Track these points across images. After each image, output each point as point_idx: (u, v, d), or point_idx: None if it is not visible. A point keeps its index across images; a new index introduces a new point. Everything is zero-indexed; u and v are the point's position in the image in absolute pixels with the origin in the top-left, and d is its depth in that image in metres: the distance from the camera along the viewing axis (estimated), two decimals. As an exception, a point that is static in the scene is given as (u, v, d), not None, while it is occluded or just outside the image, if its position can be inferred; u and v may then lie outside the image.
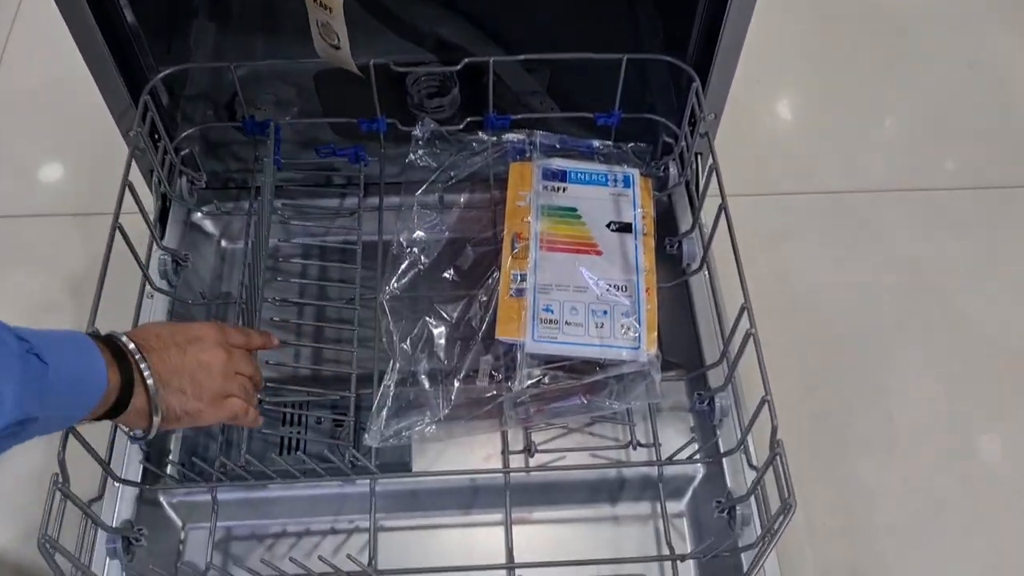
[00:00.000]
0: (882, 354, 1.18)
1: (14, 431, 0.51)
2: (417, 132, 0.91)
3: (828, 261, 1.27)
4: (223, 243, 0.99)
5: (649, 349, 0.82)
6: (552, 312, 0.83)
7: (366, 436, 0.76)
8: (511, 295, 0.84)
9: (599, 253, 0.88)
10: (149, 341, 0.64)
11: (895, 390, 1.15)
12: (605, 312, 0.84)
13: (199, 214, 0.97)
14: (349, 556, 0.70)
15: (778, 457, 0.68)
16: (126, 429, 0.74)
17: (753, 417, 0.73)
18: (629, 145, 0.96)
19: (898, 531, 1.04)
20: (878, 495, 1.07)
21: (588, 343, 0.82)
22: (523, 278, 0.85)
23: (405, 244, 0.88)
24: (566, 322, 0.83)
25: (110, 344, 0.61)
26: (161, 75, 0.88)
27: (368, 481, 0.78)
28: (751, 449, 0.78)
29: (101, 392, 0.58)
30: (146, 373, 0.62)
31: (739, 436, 0.80)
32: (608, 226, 0.89)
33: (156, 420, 0.63)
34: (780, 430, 0.68)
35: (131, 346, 0.62)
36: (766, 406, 0.70)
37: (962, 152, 1.40)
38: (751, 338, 0.72)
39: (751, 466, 0.77)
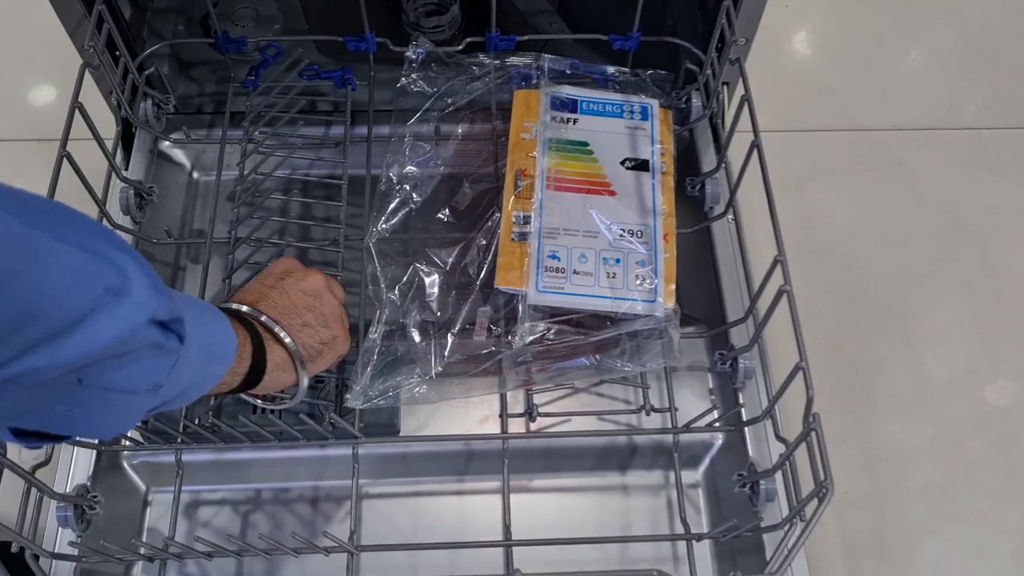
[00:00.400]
0: (915, 306, 1.09)
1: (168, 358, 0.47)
2: (410, 54, 0.81)
3: (858, 205, 1.17)
4: (195, 175, 0.89)
5: (666, 302, 0.73)
6: (559, 259, 0.74)
7: (348, 396, 0.68)
8: (513, 239, 0.75)
9: (612, 193, 0.79)
10: (245, 296, 0.62)
11: (927, 344, 1.06)
12: (618, 260, 0.75)
13: (167, 142, 0.87)
14: (326, 533, 0.62)
15: (813, 433, 0.59)
16: (271, 406, 0.69)
17: (784, 385, 0.64)
18: (648, 72, 0.86)
19: (927, 497, 0.97)
20: (907, 458, 0.99)
21: (598, 295, 0.73)
22: (527, 220, 0.76)
23: (395, 180, 0.79)
24: (574, 271, 0.74)
25: (236, 317, 0.59)
26: (119, -19, 0.78)
27: (350, 445, 0.70)
28: (778, 418, 0.70)
29: (234, 353, 0.55)
30: (264, 319, 0.60)
31: (765, 403, 0.72)
32: (623, 163, 0.80)
33: (301, 367, 0.61)
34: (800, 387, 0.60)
35: (243, 308, 0.60)
36: (800, 373, 0.62)
37: (1009, 88, 1.29)
38: (784, 295, 0.64)
39: (779, 438, 0.68)
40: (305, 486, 0.74)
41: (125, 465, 0.73)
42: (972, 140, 1.23)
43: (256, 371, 0.58)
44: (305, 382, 0.63)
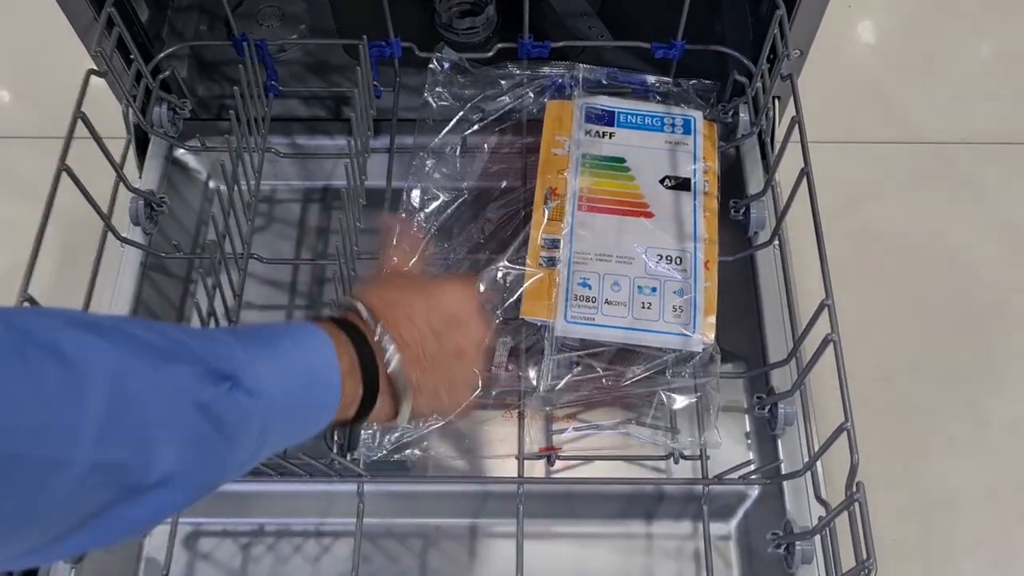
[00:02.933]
0: (978, 337, 1.01)
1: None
2: (433, 65, 0.76)
3: (921, 225, 1.09)
4: (211, 183, 0.85)
5: (705, 336, 0.67)
6: (589, 288, 0.69)
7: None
8: (541, 264, 0.70)
9: (649, 215, 0.73)
10: (397, 327, 0.47)
11: (991, 381, 0.98)
12: (654, 290, 0.69)
13: (182, 150, 0.83)
14: (320, 584, 0.58)
15: (857, 505, 0.53)
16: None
17: (826, 444, 0.58)
18: (691, 82, 0.79)
19: (983, 552, 0.89)
20: (962, 508, 0.91)
21: (631, 327, 0.67)
22: (555, 244, 0.70)
23: (416, 204, 0.74)
24: (606, 300, 0.68)
25: (349, 335, 0.45)
26: (130, -19, 0.74)
27: (356, 482, 0.66)
28: (819, 476, 0.63)
29: (331, 411, 0.44)
30: (394, 373, 0.47)
31: (805, 453, 0.66)
32: (662, 182, 0.74)
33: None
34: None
35: (382, 343, 0.46)
36: (844, 434, 0.56)
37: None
38: (831, 344, 0.57)
39: (819, 500, 0.62)
40: (309, 523, 0.70)
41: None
42: (1048, 156, 1.14)
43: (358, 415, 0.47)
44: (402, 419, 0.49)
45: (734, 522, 0.71)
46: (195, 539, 0.71)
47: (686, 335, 0.67)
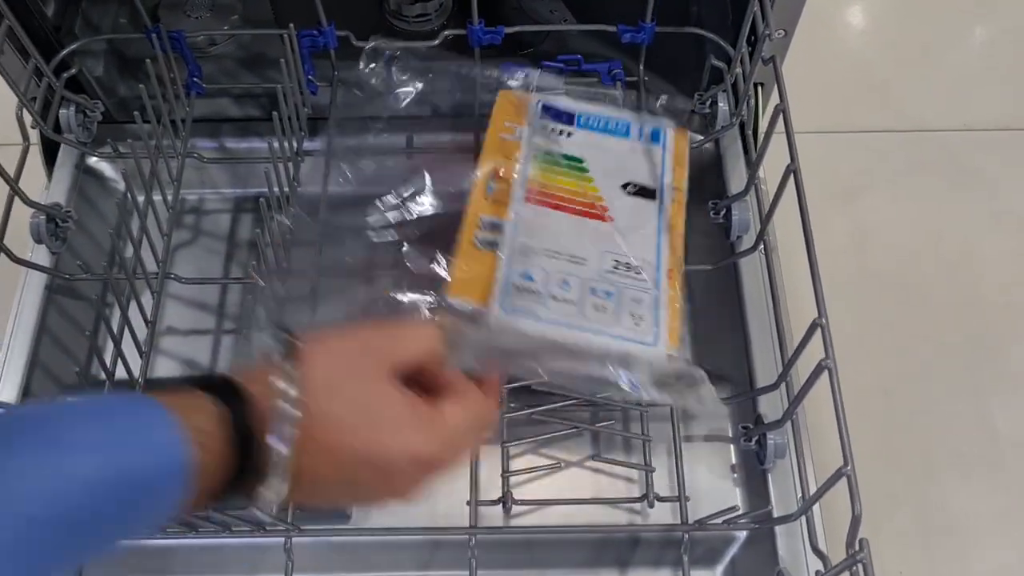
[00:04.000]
0: (987, 343, 0.93)
1: None
2: (368, 49, 0.67)
3: (921, 220, 1.00)
4: (130, 193, 0.76)
5: (670, 347, 0.58)
6: (533, 280, 0.59)
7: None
8: (477, 245, 0.60)
9: (608, 219, 0.64)
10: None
11: (1001, 393, 0.90)
12: (610, 294, 0.59)
13: (95, 157, 0.74)
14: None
15: (861, 566, 0.45)
16: None
17: (822, 490, 0.50)
18: (661, 99, 0.70)
19: (998, 580, 0.81)
20: (973, 532, 0.83)
21: (583, 327, 0.57)
22: (498, 228, 0.60)
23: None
24: (552, 296, 0.58)
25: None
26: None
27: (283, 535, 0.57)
28: (817, 522, 0.55)
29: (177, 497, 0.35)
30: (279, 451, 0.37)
31: (799, 494, 0.57)
32: (624, 187, 0.65)
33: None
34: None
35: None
36: (844, 480, 0.47)
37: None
38: (825, 371, 0.49)
39: (816, 552, 0.54)
40: (234, 580, 0.62)
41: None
42: (1055, 142, 1.06)
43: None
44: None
45: (720, 569, 0.62)
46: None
47: (648, 344, 0.58)
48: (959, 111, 1.09)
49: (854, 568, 0.46)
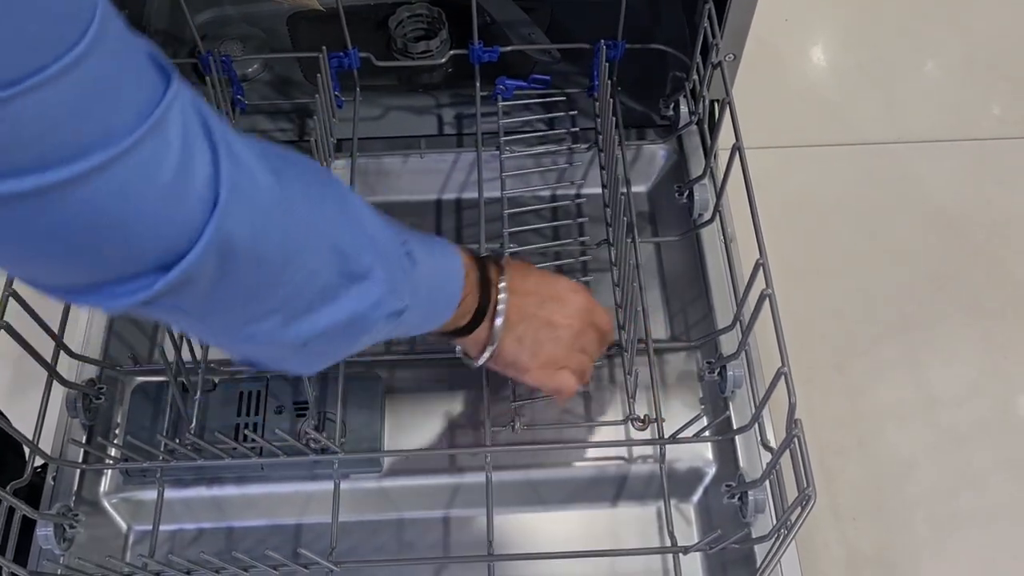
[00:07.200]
0: (920, 319, 1.07)
1: (393, 320, 0.51)
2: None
3: (864, 222, 1.15)
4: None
5: None
6: None
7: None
8: None
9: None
10: (514, 280, 0.61)
11: (934, 355, 1.03)
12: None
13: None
14: (300, 551, 0.61)
15: (796, 440, 0.57)
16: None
17: (768, 390, 0.62)
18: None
19: (934, 513, 0.94)
20: (911, 472, 0.96)
21: None
22: None
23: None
24: None
25: (480, 267, 0.59)
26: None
27: (332, 474, 0.69)
28: (767, 427, 0.67)
29: (451, 310, 0.57)
30: (500, 307, 0.60)
31: (753, 410, 0.70)
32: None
33: (486, 356, 0.62)
34: (805, 404, 0.58)
35: (501, 283, 0.60)
36: (783, 379, 0.60)
37: (1016, 97, 1.27)
38: (767, 299, 0.62)
39: (764, 446, 0.66)
40: (287, 523, 0.73)
41: (105, 503, 0.72)
42: (981, 152, 1.21)
43: (465, 330, 0.59)
44: (476, 366, 0.63)
45: (695, 498, 0.74)
46: (173, 542, 0.72)
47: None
48: (896, 126, 1.24)
49: (792, 446, 0.58)
